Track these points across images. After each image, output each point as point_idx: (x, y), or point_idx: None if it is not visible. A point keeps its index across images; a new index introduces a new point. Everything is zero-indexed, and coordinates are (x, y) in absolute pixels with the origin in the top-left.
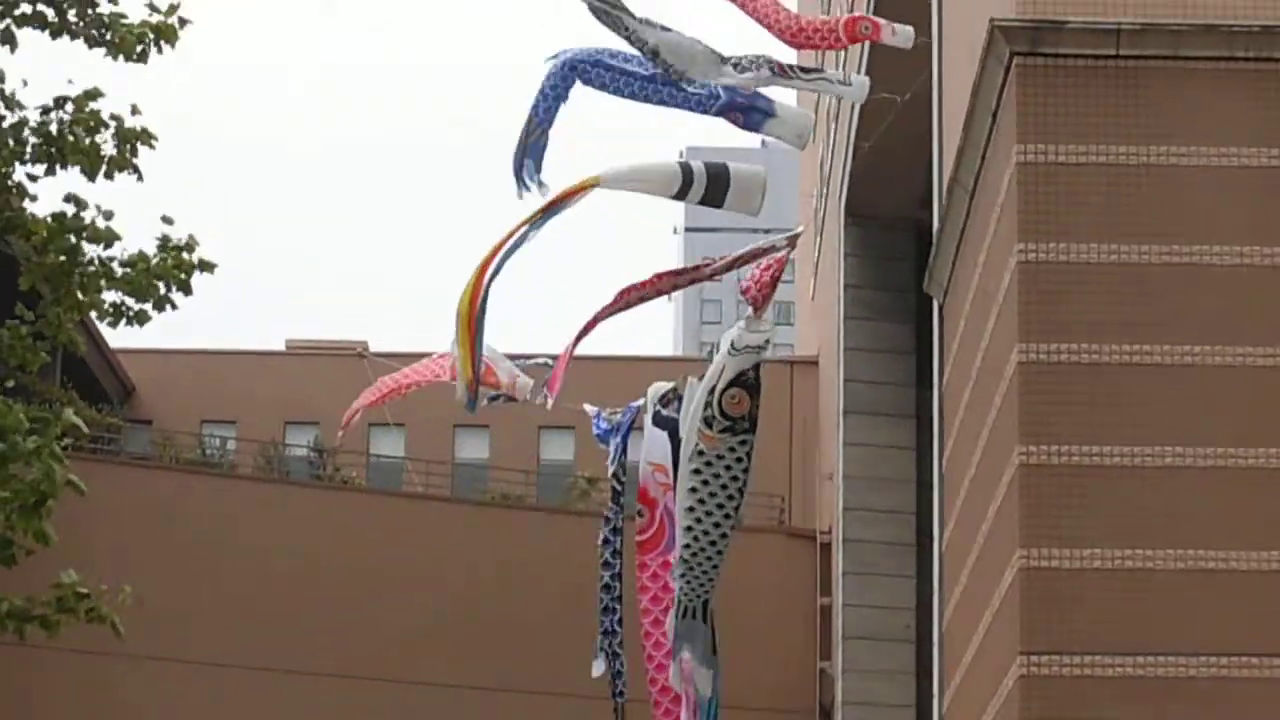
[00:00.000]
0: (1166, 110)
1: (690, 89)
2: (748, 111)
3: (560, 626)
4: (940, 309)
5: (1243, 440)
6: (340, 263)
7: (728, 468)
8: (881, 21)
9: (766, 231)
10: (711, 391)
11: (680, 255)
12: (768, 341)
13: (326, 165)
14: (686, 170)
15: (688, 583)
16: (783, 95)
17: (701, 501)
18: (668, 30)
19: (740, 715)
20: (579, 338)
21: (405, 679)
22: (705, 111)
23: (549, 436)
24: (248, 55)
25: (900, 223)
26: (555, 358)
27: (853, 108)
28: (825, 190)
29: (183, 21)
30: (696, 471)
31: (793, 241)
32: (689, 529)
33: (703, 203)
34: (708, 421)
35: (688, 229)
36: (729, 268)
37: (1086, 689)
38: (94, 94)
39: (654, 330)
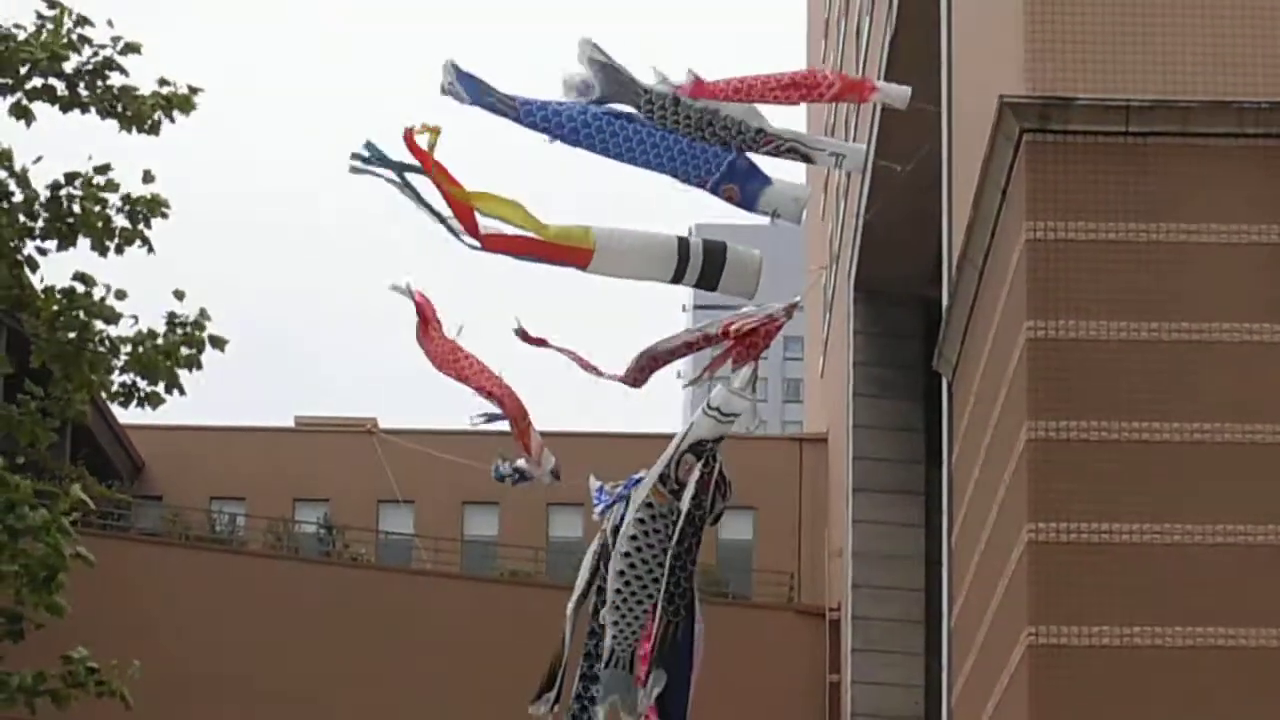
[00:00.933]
0: (1176, 187)
1: (692, 153)
2: (744, 183)
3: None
4: (949, 386)
5: (1254, 517)
6: (350, 340)
7: (665, 526)
8: (877, 84)
9: None
10: (678, 449)
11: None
12: (738, 415)
13: (337, 238)
14: (684, 247)
15: (619, 631)
16: (785, 172)
17: (639, 550)
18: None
19: None
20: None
21: None
22: (702, 186)
23: (558, 513)
24: (259, 123)
25: (909, 299)
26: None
27: (861, 184)
28: (834, 266)
29: (194, 90)
30: (640, 521)
31: (790, 310)
32: (621, 574)
33: (699, 285)
34: (663, 478)
35: (696, 306)
36: (721, 337)
37: None
38: (104, 169)
39: (664, 407)
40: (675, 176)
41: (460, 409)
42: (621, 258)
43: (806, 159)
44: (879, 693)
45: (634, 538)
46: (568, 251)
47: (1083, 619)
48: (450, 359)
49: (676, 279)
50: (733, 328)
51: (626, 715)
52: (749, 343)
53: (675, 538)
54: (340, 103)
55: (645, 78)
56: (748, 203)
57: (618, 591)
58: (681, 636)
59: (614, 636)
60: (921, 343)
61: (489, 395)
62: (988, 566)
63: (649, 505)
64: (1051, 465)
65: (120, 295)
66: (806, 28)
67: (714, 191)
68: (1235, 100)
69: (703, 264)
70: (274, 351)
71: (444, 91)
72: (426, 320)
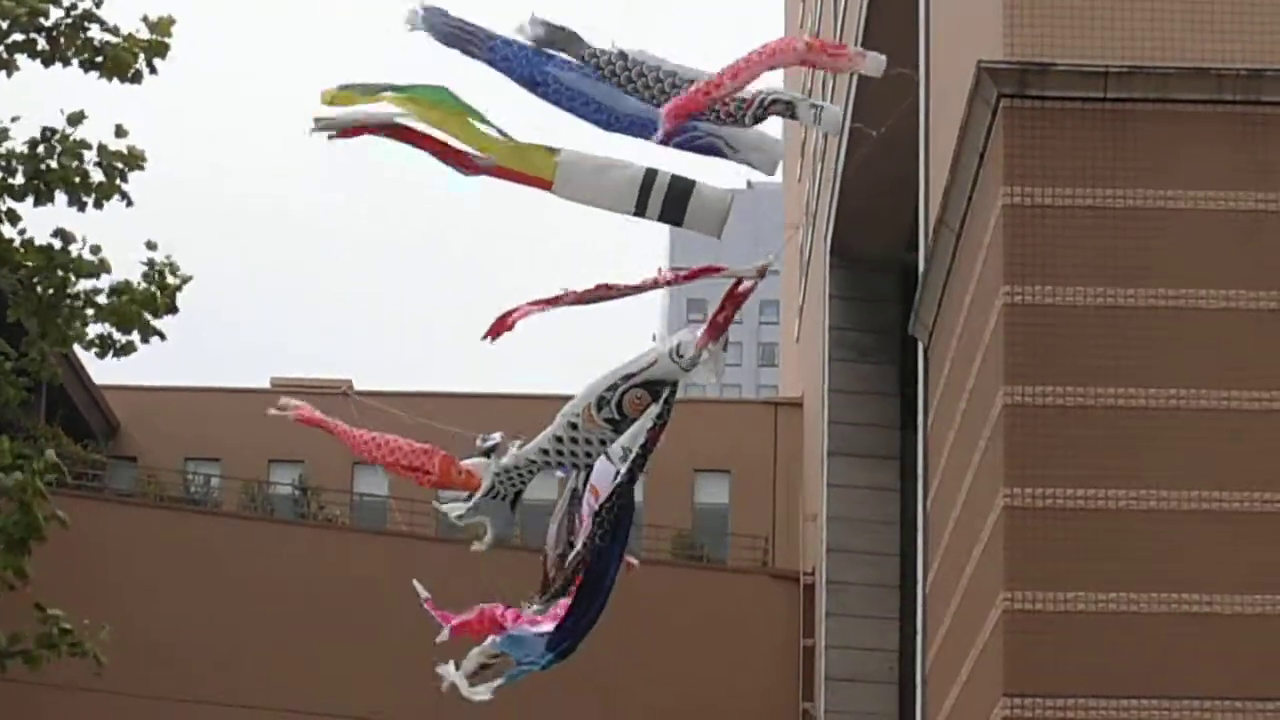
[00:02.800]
0: (1153, 153)
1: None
2: (714, 139)
3: None
4: (925, 351)
5: (1228, 484)
6: (326, 301)
7: (586, 453)
8: (850, 49)
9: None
10: (627, 378)
11: (665, 296)
12: (696, 366)
13: (312, 201)
14: (649, 177)
15: (505, 474)
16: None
17: (545, 453)
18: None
19: None
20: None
21: (388, 716)
22: (665, 143)
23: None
24: (236, 89)
25: (885, 264)
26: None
27: (838, 147)
28: (810, 232)
29: (170, 21)
30: (557, 439)
31: (761, 272)
32: (545, 452)
33: (661, 218)
34: (600, 402)
35: (672, 269)
36: (685, 280)
37: None
38: (77, 118)
39: (639, 332)
40: (640, 136)
41: (435, 373)
42: (582, 180)
43: (791, 112)
44: (853, 657)
45: (544, 451)
46: (531, 178)
47: (1058, 584)
48: (372, 448)
49: (639, 211)
50: (701, 278)
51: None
52: (725, 313)
53: (613, 491)
54: (322, 46)
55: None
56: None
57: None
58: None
59: (498, 472)
60: (898, 307)
61: (418, 470)
62: (963, 531)
63: (572, 426)
64: (1028, 430)
65: (96, 250)
66: None
67: (685, 146)
68: (1214, 67)
69: (665, 198)
70: (250, 313)
71: (413, 28)
72: (325, 426)
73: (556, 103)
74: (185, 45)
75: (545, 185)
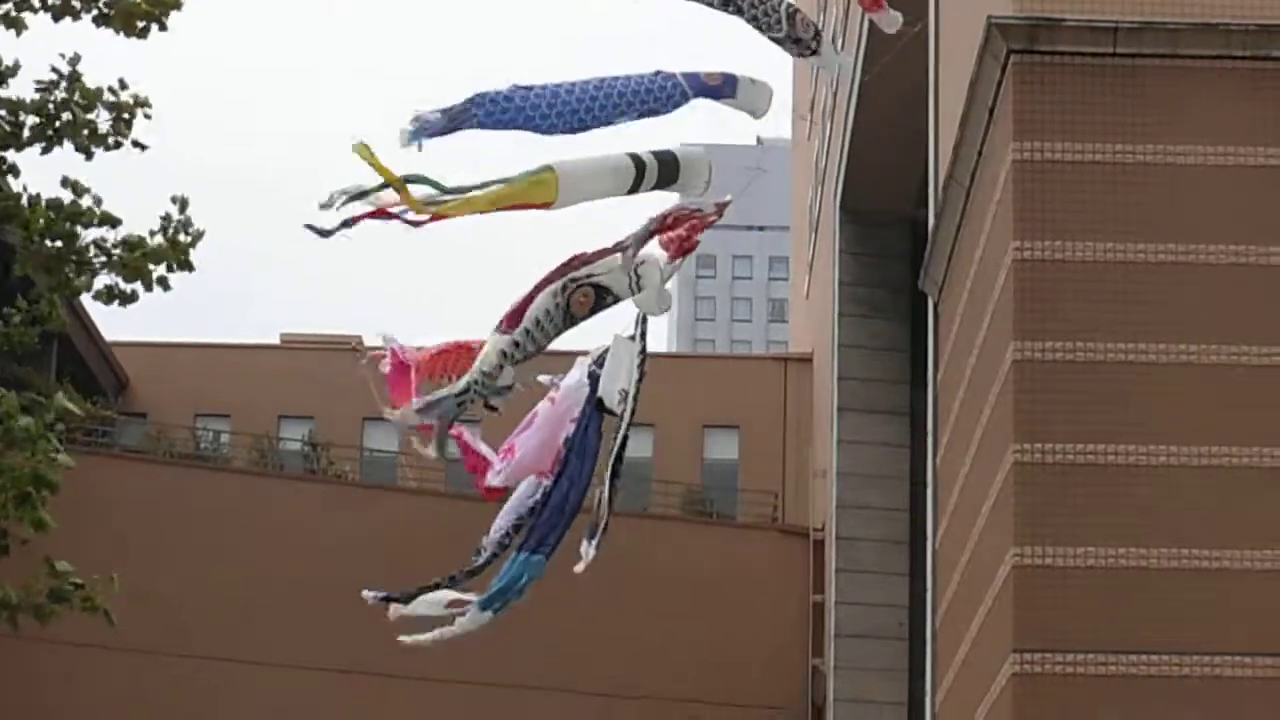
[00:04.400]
0: (1163, 108)
1: (646, 83)
2: (714, 91)
3: (556, 620)
4: (935, 307)
5: (1238, 439)
6: (336, 257)
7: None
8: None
9: (760, 228)
10: (582, 277)
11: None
12: (646, 287)
13: (326, 156)
14: (638, 161)
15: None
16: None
17: (516, 346)
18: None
19: (732, 712)
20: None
21: (400, 673)
22: (667, 108)
23: None
24: (249, 49)
25: (896, 220)
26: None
27: (848, 106)
28: (820, 188)
29: (177, 5)
30: (528, 332)
31: (721, 208)
32: (517, 345)
33: (656, 188)
34: (552, 294)
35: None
36: (648, 236)
37: (1079, 687)
38: (75, 60)
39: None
40: (650, 113)
41: (444, 328)
42: (581, 187)
43: (814, 45)
44: (863, 613)
45: (516, 344)
46: (533, 205)
47: (1067, 540)
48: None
49: (634, 190)
50: (670, 219)
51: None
52: (682, 237)
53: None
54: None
55: None
56: (727, 93)
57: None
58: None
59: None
60: (908, 263)
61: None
62: (973, 487)
63: (538, 322)
64: (1037, 386)
65: (98, 201)
66: None
67: (694, 96)
68: (1223, 22)
69: (658, 173)
70: (260, 268)
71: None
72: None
73: (553, 125)
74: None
75: (547, 205)
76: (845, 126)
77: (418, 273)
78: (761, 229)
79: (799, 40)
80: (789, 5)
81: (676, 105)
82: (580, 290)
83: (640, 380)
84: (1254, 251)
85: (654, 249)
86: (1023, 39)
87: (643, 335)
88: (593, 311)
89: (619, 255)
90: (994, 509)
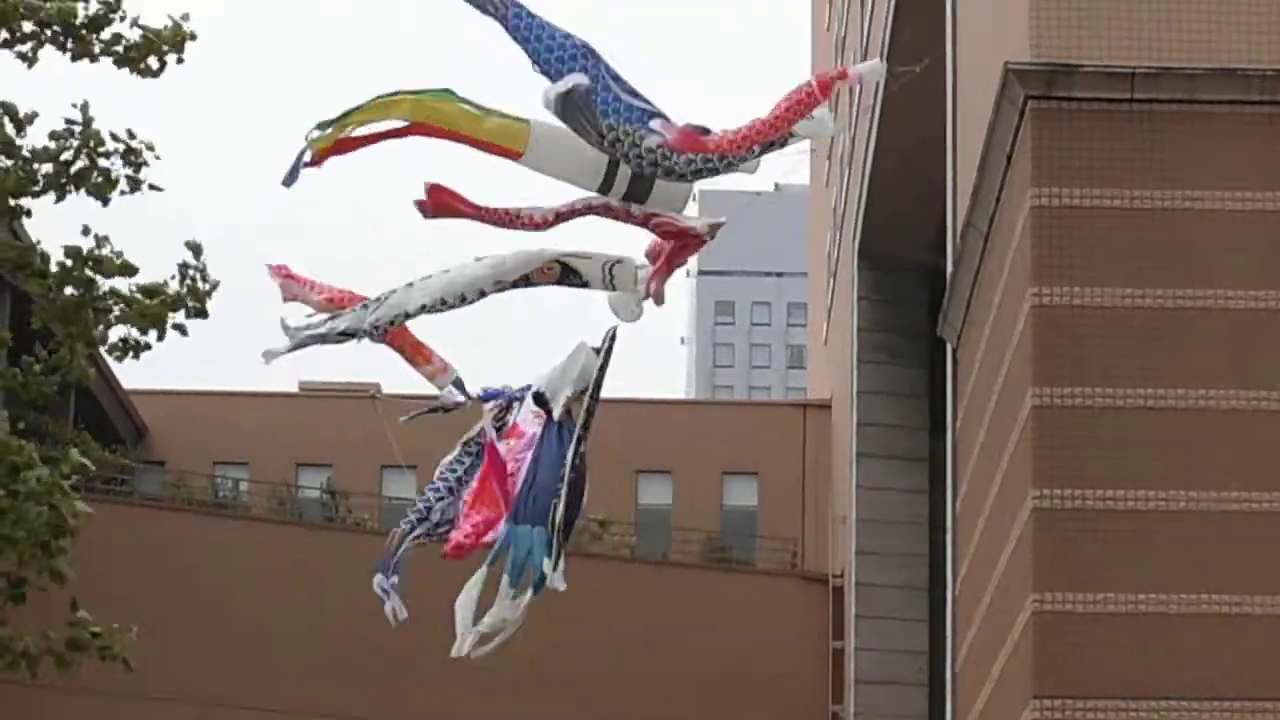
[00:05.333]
0: (1181, 154)
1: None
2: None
3: (575, 665)
4: (954, 353)
5: (1258, 484)
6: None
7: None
8: (850, 70)
9: (779, 275)
10: (551, 256)
11: (693, 299)
12: (618, 292)
13: (343, 207)
14: (611, 167)
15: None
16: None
17: (443, 302)
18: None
19: None
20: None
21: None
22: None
23: None
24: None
25: (914, 266)
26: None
27: (866, 153)
28: (839, 234)
29: (191, 35)
30: (462, 297)
31: (713, 230)
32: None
33: (626, 198)
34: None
35: (700, 272)
36: (636, 219)
37: None
38: (87, 107)
39: (667, 373)
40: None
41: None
42: (551, 154)
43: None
44: (883, 659)
45: (443, 301)
46: (501, 148)
47: (1087, 585)
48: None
49: (604, 190)
50: (652, 221)
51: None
52: (669, 256)
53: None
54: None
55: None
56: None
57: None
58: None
59: None
60: (926, 309)
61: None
62: (992, 533)
63: (481, 293)
64: (1056, 432)
65: (118, 254)
66: None
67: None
68: (1240, 67)
69: (630, 181)
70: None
71: None
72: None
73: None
74: (209, 39)
75: (515, 155)
76: (863, 173)
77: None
78: (780, 275)
79: (771, 144)
80: (755, 152)
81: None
82: (547, 263)
83: (594, 397)
84: (1272, 296)
85: (635, 257)
86: (1040, 84)
87: (607, 353)
88: (556, 283)
89: (602, 252)
90: (1013, 555)
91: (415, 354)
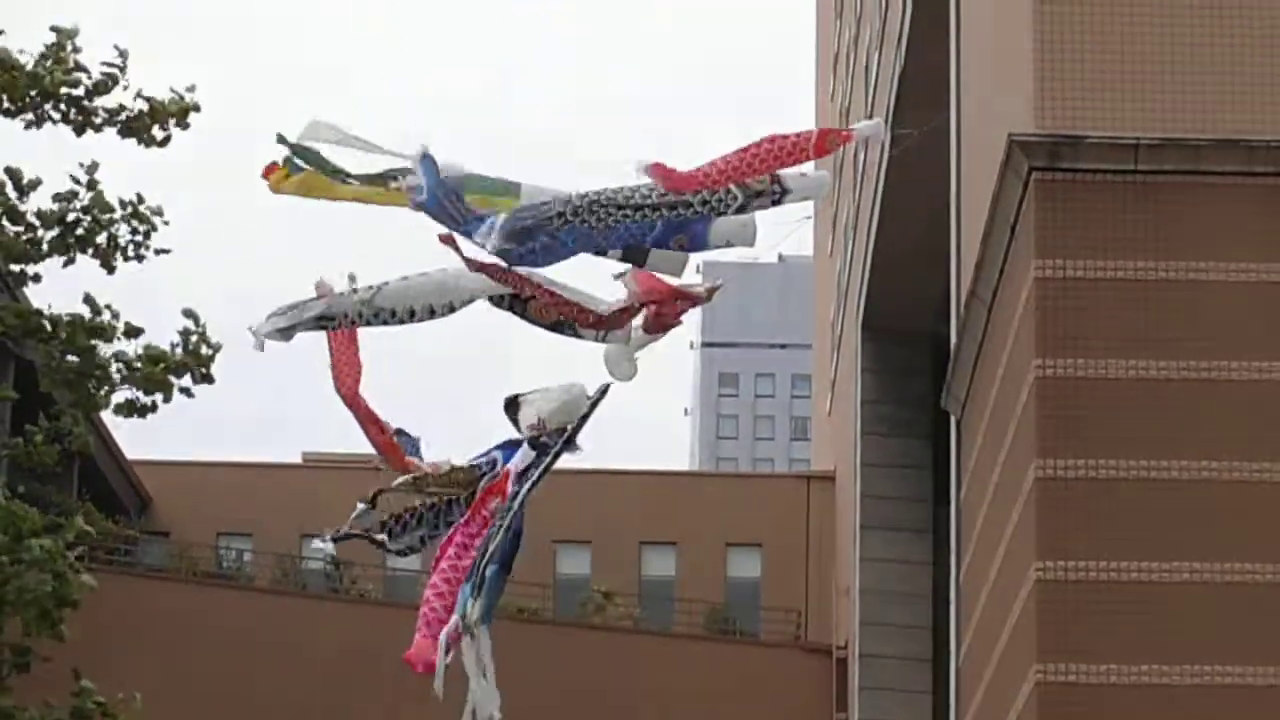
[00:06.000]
0: (1185, 225)
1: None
2: (689, 227)
3: None
4: (958, 424)
5: (1262, 556)
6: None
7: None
8: (849, 130)
9: (783, 346)
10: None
11: (697, 370)
12: (613, 359)
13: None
14: None
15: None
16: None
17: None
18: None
19: None
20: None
21: None
22: (644, 243)
23: (565, 551)
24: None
25: (917, 337)
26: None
27: (870, 224)
28: (843, 305)
29: (195, 106)
30: (440, 309)
31: (710, 293)
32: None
33: (624, 259)
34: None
35: (705, 344)
36: (642, 301)
37: None
38: (93, 169)
39: (671, 445)
40: (611, 248)
41: (466, 439)
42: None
43: (778, 201)
44: None
45: (412, 312)
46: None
47: (1091, 657)
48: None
49: (600, 251)
50: (653, 301)
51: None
52: (660, 314)
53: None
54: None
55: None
56: (698, 245)
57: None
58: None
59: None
60: (929, 380)
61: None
62: (996, 604)
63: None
64: (1060, 504)
65: (115, 315)
66: (815, 64)
67: (663, 246)
68: (1245, 138)
69: (623, 254)
70: (282, 386)
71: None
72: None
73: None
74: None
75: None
76: (868, 243)
77: (437, 386)
78: (784, 347)
79: (760, 194)
80: (742, 198)
81: (648, 237)
82: (544, 302)
83: (568, 441)
84: (1277, 368)
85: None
86: (1044, 156)
87: (594, 404)
88: (548, 328)
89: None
90: (1017, 626)
91: (369, 423)
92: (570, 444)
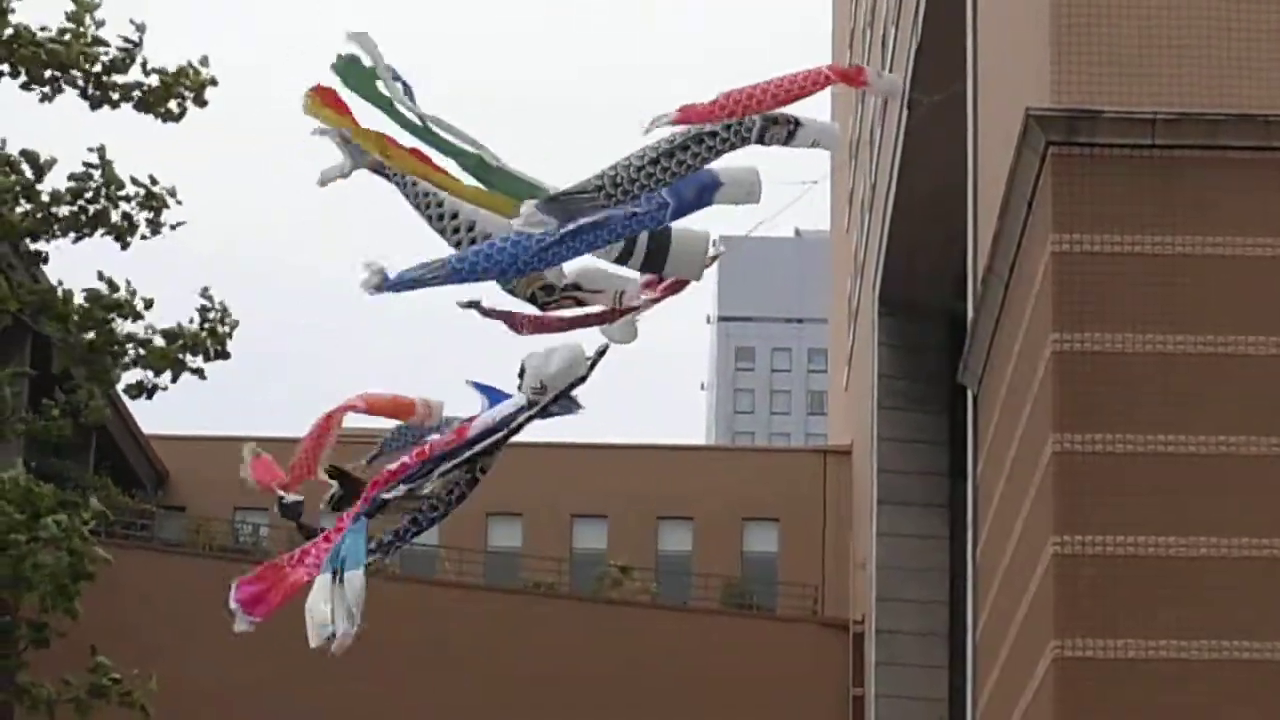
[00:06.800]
0: (1202, 199)
1: (635, 207)
2: (700, 193)
3: (588, 713)
4: (974, 399)
5: (1278, 530)
6: (378, 349)
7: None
8: (868, 73)
9: (799, 321)
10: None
11: (714, 344)
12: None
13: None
14: (629, 239)
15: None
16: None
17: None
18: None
19: None
20: None
21: None
22: (662, 223)
23: (581, 525)
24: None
25: (934, 313)
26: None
27: (886, 199)
28: (859, 280)
29: (212, 80)
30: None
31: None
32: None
33: (644, 269)
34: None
35: (721, 318)
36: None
37: None
38: (103, 152)
39: (687, 420)
40: (633, 233)
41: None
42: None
43: (788, 137)
44: (903, 706)
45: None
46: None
47: (1108, 632)
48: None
49: (622, 261)
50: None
51: None
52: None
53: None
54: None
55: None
56: (704, 202)
57: None
58: None
59: None
60: (946, 356)
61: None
62: (1013, 579)
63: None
64: (1077, 478)
65: (132, 292)
66: (831, 39)
67: (678, 216)
68: (1261, 113)
69: (647, 250)
70: (300, 360)
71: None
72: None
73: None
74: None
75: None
76: (884, 218)
77: (459, 363)
78: (800, 322)
79: (776, 123)
80: (758, 130)
81: (660, 221)
82: (558, 300)
83: (554, 401)
84: None
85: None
86: (1061, 130)
87: (591, 365)
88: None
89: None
90: (1034, 601)
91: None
92: (571, 402)
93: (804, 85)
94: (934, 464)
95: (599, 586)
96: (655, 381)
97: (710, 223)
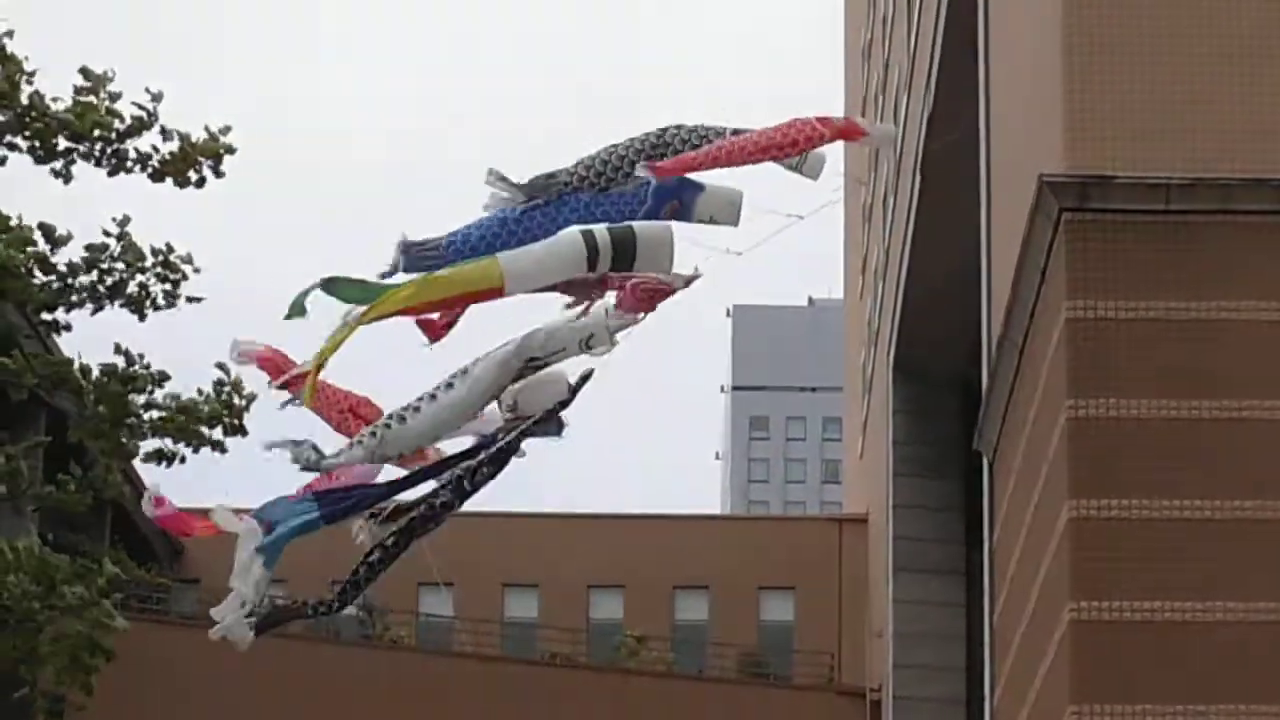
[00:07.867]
0: (1216, 264)
1: (614, 193)
2: (681, 195)
3: None
4: (990, 465)
5: None
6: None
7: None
8: (865, 128)
9: (813, 389)
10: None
11: (728, 413)
12: (596, 344)
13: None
14: (589, 238)
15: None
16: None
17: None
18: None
19: None
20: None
21: None
22: (635, 216)
23: (598, 595)
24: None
25: (949, 379)
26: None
27: (900, 267)
28: (873, 347)
29: (229, 149)
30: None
31: (689, 281)
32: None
33: (614, 269)
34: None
35: (735, 387)
36: (614, 284)
37: None
38: (125, 222)
39: (703, 489)
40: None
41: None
42: (530, 271)
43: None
44: None
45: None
46: (480, 294)
47: (1125, 698)
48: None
49: (592, 268)
50: (630, 282)
51: None
52: (639, 296)
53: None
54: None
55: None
56: (686, 214)
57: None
58: None
59: None
60: (961, 422)
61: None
62: (1030, 645)
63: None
64: (1093, 544)
65: (145, 366)
66: (844, 99)
67: (655, 216)
68: (1275, 177)
69: (613, 250)
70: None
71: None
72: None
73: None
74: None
75: (497, 293)
76: (898, 286)
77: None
78: (814, 390)
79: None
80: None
81: (640, 210)
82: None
83: (540, 423)
84: None
85: (602, 304)
86: (1074, 196)
87: (574, 390)
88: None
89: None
90: (1051, 667)
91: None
92: (555, 425)
93: (795, 140)
94: (950, 530)
95: (616, 656)
96: (670, 452)
97: (722, 292)
